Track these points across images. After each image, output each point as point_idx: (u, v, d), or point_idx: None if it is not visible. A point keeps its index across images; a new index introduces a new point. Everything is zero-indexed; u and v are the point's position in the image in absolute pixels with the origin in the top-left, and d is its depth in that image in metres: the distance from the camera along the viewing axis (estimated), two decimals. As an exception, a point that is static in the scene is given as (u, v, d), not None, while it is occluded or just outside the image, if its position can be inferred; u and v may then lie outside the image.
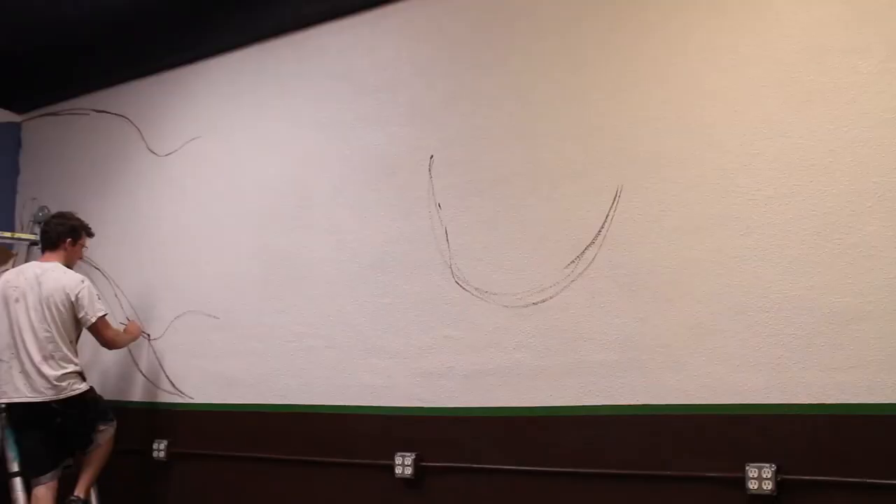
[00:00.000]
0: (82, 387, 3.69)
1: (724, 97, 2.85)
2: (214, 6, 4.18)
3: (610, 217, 3.01)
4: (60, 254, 3.82)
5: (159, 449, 4.08)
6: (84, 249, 3.99)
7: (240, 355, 3.88)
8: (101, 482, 3.81)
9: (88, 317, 3.70)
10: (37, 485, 3.56)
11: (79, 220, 3.94)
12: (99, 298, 3.81)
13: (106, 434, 3.78)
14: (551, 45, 3.22)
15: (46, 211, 4.26)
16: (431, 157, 3.45)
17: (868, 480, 2.49)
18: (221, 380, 3.94)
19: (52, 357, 3.60)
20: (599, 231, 3.03)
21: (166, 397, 4.16)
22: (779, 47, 2.78)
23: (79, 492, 3.65)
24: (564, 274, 3.08)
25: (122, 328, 4.04)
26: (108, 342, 3.85)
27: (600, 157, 3.06)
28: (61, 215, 3.95)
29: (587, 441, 2.97)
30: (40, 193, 5.00)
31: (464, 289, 3.29)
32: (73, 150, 4.86)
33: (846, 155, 2.63)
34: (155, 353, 4.24)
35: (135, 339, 4.12)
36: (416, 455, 3.30)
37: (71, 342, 3.71)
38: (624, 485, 2.89)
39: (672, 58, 2.97)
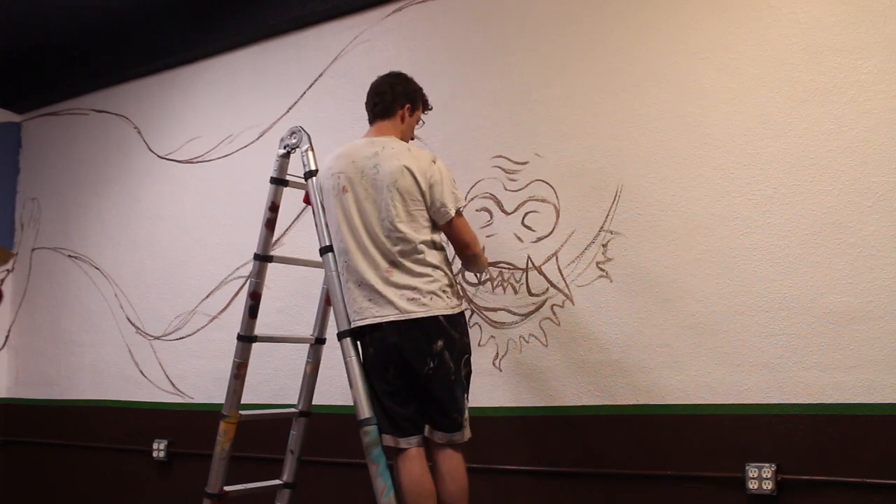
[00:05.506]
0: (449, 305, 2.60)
1: (724, 97, 2.85)
2: (214, 6, 4.18)
3: (610, 217, 3.01)
4: (396, 124, 2.78)
5: (159, 449, 4.09)
6: (420, 124, 2.95)
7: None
8: (99, 482, 3.80)
9: (446, 209, 2.61)
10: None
11: (417, 83, 2.87)
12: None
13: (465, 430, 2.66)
14: (551, 45, 3.22)
15: (300, 132, 2.94)
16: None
17: (868, 480, 2.49)
18: (221, 380, 3.93)
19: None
20: (599, 231, 3.03)
21: (166, 397, 4.16)
22: (778, 47, 2.78)
23: None
24: (564, 274, 3.08)
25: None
26: (466, 245, 2.69)
27: (600, 156, 3.06)
28: (397, 75, 2.87)
29: (587, 441, 2.97)
30: (40, 193, 5.00)
31: (464, 289, 3.28)
32: (73, 150, 4.86)
33: (846, 154, 2.63)
34: (155, 353, 4.24)
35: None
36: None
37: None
38: (624, 485, 2.89)
39: (672, 57, 2.96)
